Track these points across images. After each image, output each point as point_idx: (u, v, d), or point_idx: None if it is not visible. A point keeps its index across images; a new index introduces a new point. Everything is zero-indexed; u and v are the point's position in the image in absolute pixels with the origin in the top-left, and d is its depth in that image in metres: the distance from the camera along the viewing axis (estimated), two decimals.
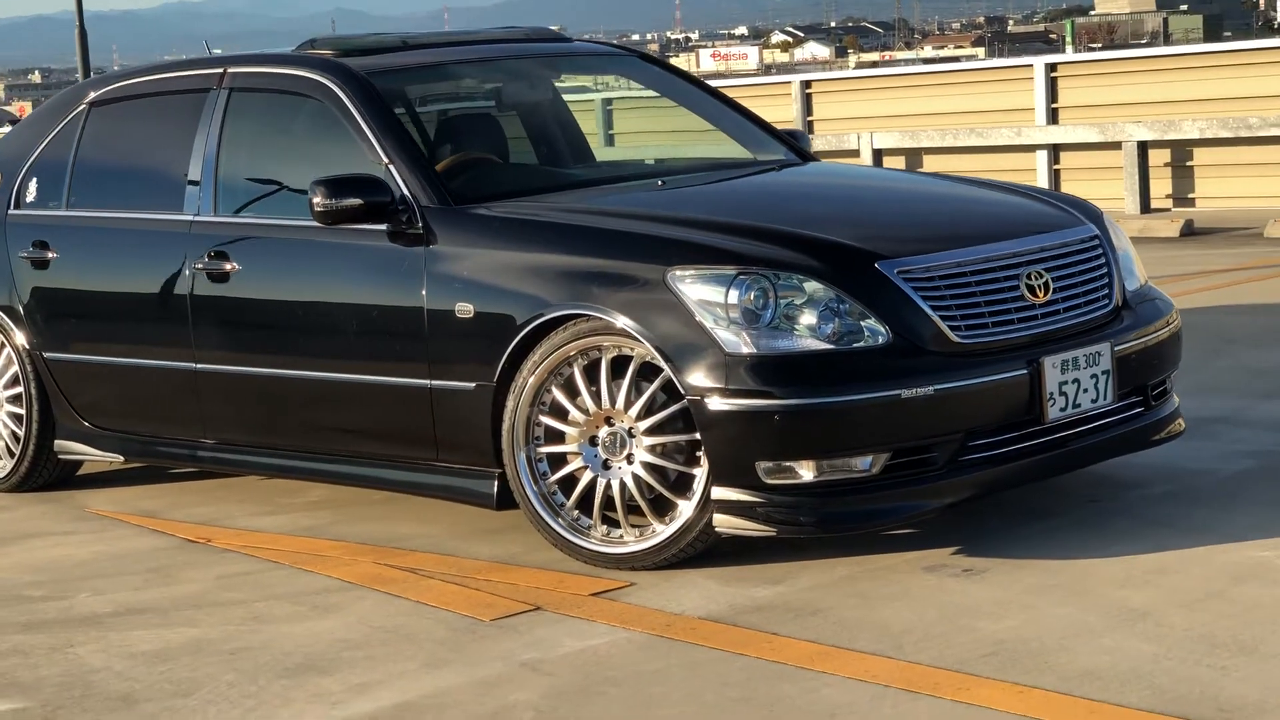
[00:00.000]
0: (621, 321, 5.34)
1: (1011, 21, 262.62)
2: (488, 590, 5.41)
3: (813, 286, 5.26)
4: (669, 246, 5.43)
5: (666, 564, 5.44)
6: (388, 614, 5.26)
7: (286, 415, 6.36)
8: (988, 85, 17.24)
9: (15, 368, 7.18)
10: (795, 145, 7.08)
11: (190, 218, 6.61)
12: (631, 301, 5.35)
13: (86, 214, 7.04)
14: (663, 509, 5.44)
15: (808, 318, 5.24)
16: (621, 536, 5.50)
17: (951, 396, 5.24)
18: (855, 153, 16.77)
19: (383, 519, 6.41)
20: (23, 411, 7.16)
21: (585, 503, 5.55)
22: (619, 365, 5.46)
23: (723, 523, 5.27)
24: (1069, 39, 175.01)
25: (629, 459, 5.44)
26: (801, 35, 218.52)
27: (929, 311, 5.30)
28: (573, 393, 5.53)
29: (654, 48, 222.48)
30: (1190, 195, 15.42)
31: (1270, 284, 10.75)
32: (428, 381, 5.86)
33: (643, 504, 5.44)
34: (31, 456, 7.17)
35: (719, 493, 5.25)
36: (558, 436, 5.59)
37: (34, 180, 7.29)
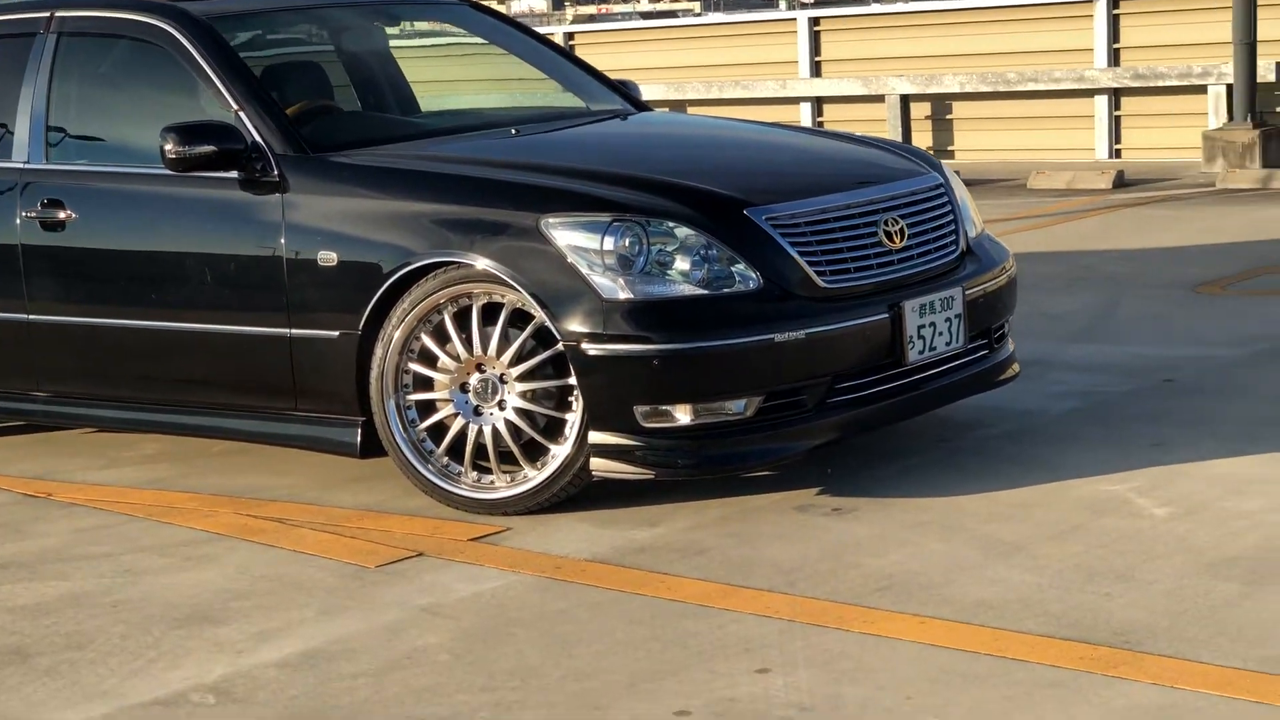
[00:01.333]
0: (494, 268, 5.37)
1: None
2: (364, 538, 5.41)
3: (684, 233, 5.36)
4: (542, 194, 5.48)
5: (540, 508, 5.50)
6: (267, 563, 5.23)
7: (132, 366, 6.24)
8: (752, 39, 17.48)
9: None
10: (629, 94, 7.17)
11: (20, 165, 6.43)
12: (504, 249, 5.38)
13: None
14: (534, 454, 5.49)
15: (680, 264, 5.34)
16: (493, 482, 5.54)
17: (820, 340, 5.39)
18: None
19: (230, 471, 6.34)
20: None
21: (456, 449, 5.58)
22: (489, 312, 5.49)
23: (600, 466, 5.34)
24: None
25: (500, 405, 5.48)
26: None
27: (796, 257, 5.44)
28: (442, 340, 5.54)
29: None
30: (950, 148, 15.89)
31: (1043, 233, 11.17)
32: (287, 330, 5.81)
33: (515, 449, 5.48)
34: None
35: (596, 437, 5.32)
36: (426, 383, 5.60)
37: None
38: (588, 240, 5.32)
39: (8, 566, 5.35)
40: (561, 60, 7.28)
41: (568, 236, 5.33)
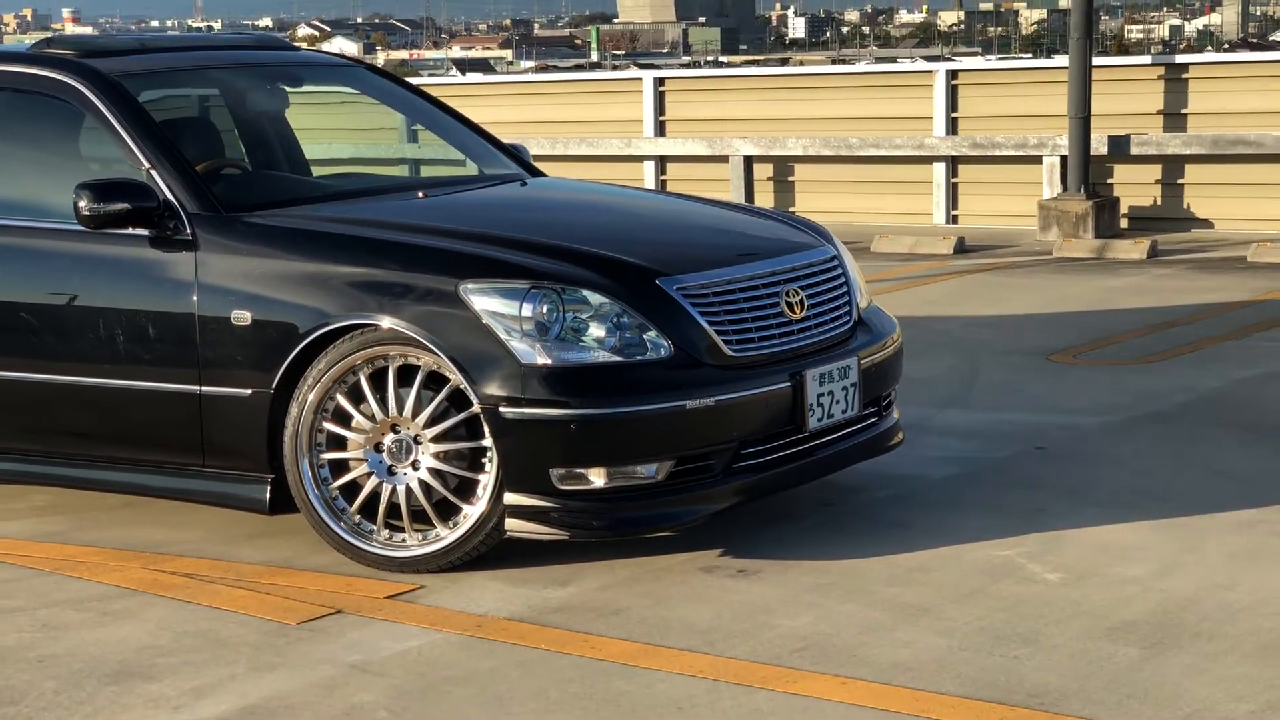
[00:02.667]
0: (412, 332, 5.51)
1: (537, 25, 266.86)
2: (279, 594, 5.50)
3: (598, 300, 5.54)
4: (461, 260, 5.63)
5: (451, 566, 5.63)
6: (186, 620, 5.29)
7: (34, 419, 6.25)
8: (597, 97, 17.75)
9: None
10: (520, 158, 7.35)
11: None
12: (422, 313, 5.52)
13: None
14: (446, 512, 5.63)
15: (595, 330, 5.52)
16: (405, 540, 5.66)
17: (728, 407, 5.60)
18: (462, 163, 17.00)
19: (128, 524, 6.37)
20: None
21: (368, 507, 5.70)
22: (404, 374, 5.62)
23: (515, 527, 5.50)
24: (594, 45, 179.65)
25: (414, 465, 5.61)
26: (329, 30, 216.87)
27: (705, 326, 5.65)
28: (357, 400, 5.66)
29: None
30: (791, 209, 16.25)
31: (892, 297, 11.50)
32: (197, 388, 5.89)
33: (428, 508, 5.61)
34: None
35: (511, 498, 5.48)
36: (340, 442, 5.71)
37: None
38: (506, 306, 5.48)
39: None
40: (455, 123, 7.43)
41: (486, 302, 5.49)
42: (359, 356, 5.62)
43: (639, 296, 5.60)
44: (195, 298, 5.86)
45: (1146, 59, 15.49)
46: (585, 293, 5.54)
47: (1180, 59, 15.02)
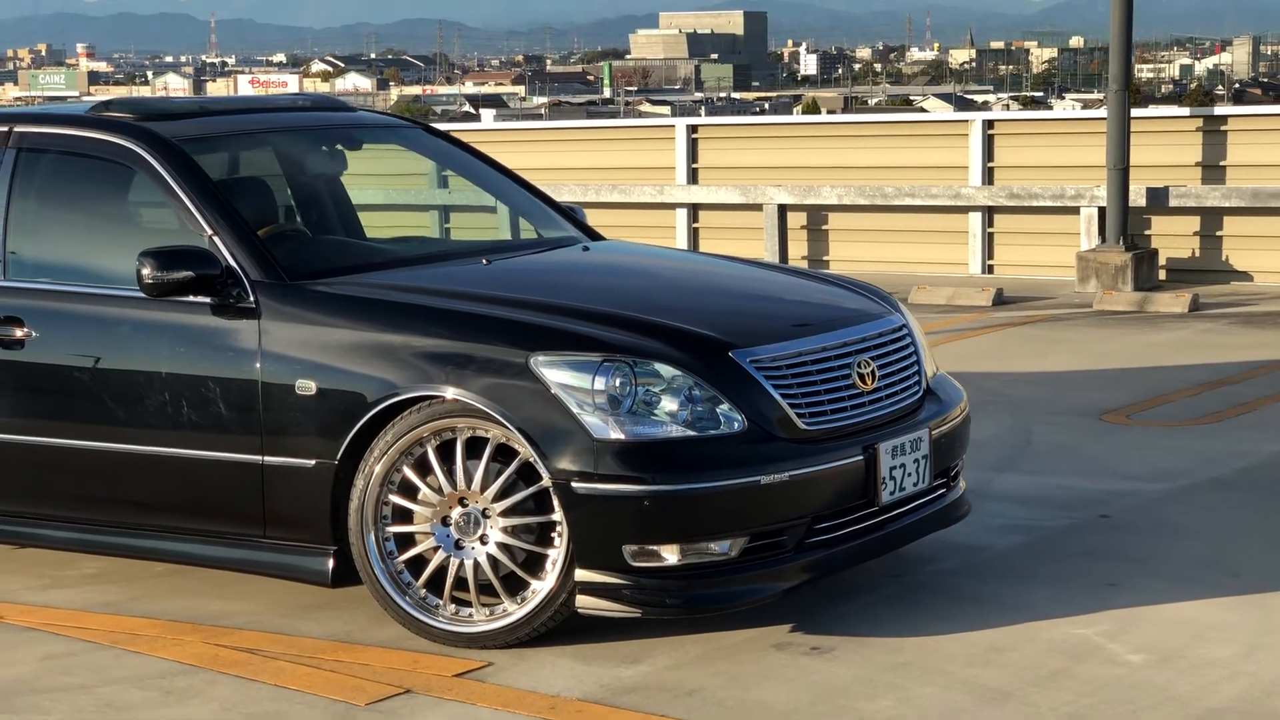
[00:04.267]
0: (482, 404, 5.43)
1: (550, 61, 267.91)
2: (344, 672, 5.40)
3: (671, 374, 5.46)
4: (532, 332, 5.54)
5: (518, 642, 5.53)
6: (252, 699, 5.20)
7: (92, 487, 6.17)
8: (630, 144, 17.68)
9: None
10: (577, 220, 7.28)
11: None
12: (492, 385, 5.44)
13: None
14: (513, 587, 5.54)
15: (667, 404, 5.44)
16: (471, 615, 5.57)
17: (802, 481, 5.51)
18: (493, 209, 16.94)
19: (181, 594, 6.28)
20: None
21: (434, 581, 5.61)
22: (472, 446, 5.54)
23: (587, 604, 5.40)
24: (607, 81, 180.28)
25: (482, 539, 5.53)
26: (342, 66, 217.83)
27: (778, 398, 5.56)
28: (424, 472, 5.58)
29: (189, 71, 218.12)
30: (825, 258, 16.18)
31: (935, 350, 11.40)
32: (260, 458, 5.81)
33: (496, 583, 5.52)
34: None
35: (583, 574, 5.38)
36: (405, 515, 5.63)
37: None
38: (578, 379, 5.40)
39: None
40: (511, 183, 7.36)
41: (557, 375, 5.41)
42: (427, 429, 5.54)
43: (712, 369, 5.52)
44: (258, 366, 5.79)
45: (1185, 110, 15.42)
46: (658, 366, 5.46)
47: (1219, 111, 14.93)
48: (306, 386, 5.71)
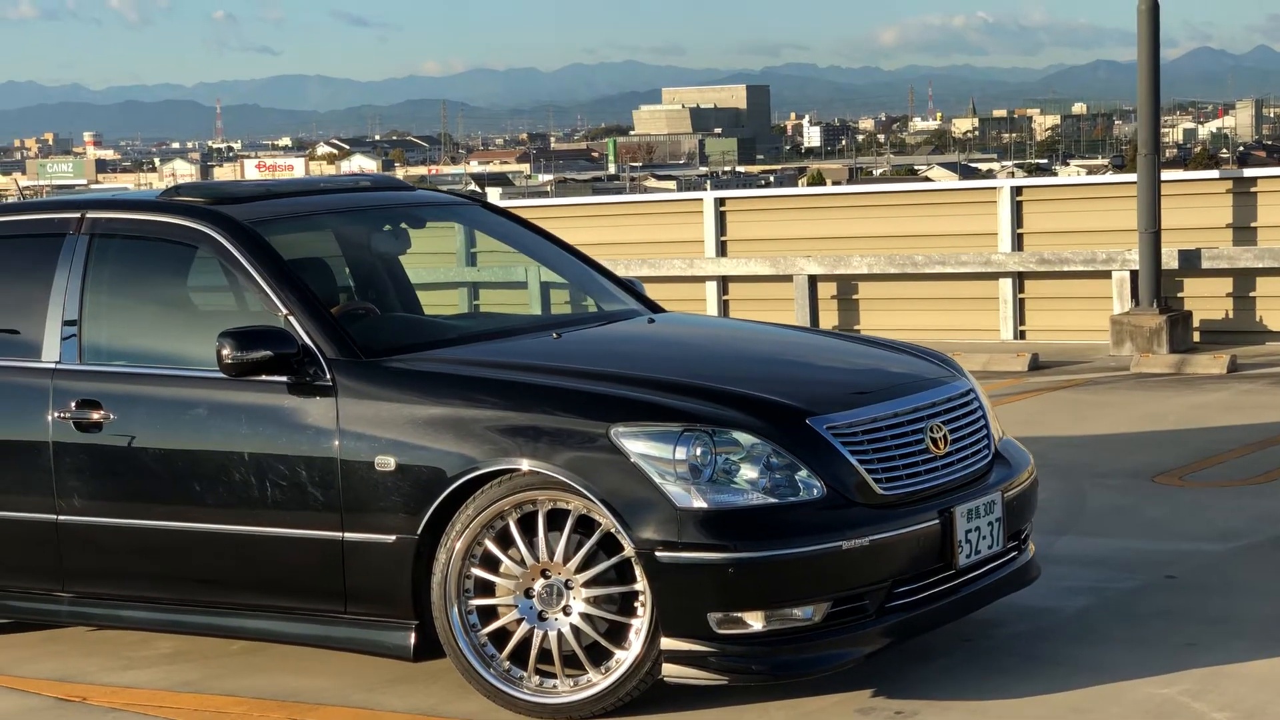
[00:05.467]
0: (563, 476, 5.49)
1: (554, 138, 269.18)
2: None
3: (750, 441, 5.52)
4: (611, 403, 5.61)
5: (604, 713, 5.57)
6: None
7: (170, 567, 6.23)
8: (659, 218, 17.82)
9: None
10: (637, 292, 7.36)
11: (50, 365, 6.44)
12: (573, 457, 5.51)
13: None
14: (597, 657, 5.58)
15: (747, 472, 5.49)
16: (556, 686, 5.61)
17: (882, 546, 5.56)
18: (524, 284, 17.04)
19: (258, 671, 6.33)
20: None
21: (517, 653, 5.65)
22: (553, 518, 5.60)
23: (673, 672, 5.44)
24: (611, 157, 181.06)
25: (565, 610, 5.57)
26: (347, 148, 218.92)
27: (855, 464, 5.62)
28: (505, 545, 5.64)
29: (195, 156, 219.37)
30: (856, 327, 16.27)
31: None
32: (340, 534, 5.87)
33: (580, 654, 5.57)
34: None
35: (668, 643, 5.43)
36: (488, 588, 5.68)
37: None
38: (658, 449, 5.46)
39: None
40: (572, 258, 7.45)
41: (638, 445, 5.47)
42: (508, 502, 5.60)
43: (789, 436, 5.58)
44: (337, 443, 5.85)
45: (1214, 173, 15.54)
46: (736, 434, 5.52)
47: (1249, 172, 15.06)
48: (385, 463, 5.78)
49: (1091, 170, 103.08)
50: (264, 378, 5.99)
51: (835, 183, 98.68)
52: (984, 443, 6.17)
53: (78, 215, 6.65)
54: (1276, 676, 5.72)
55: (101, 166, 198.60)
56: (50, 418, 6.36)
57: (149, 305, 6.59)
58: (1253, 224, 14.76)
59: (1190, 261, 14.51)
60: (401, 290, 7.30)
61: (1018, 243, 15.62)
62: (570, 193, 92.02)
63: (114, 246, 6.55)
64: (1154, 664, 5.91)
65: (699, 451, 5.46)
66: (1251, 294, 14.69)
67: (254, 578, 6.09)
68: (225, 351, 5.90)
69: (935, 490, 5.81)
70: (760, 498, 5.46)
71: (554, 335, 6.47)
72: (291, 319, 6.05)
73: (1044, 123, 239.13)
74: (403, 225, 7.17)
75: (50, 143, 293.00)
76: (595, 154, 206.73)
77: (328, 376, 5.93)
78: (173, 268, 6.55)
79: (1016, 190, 15.80)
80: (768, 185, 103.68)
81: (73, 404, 6.32)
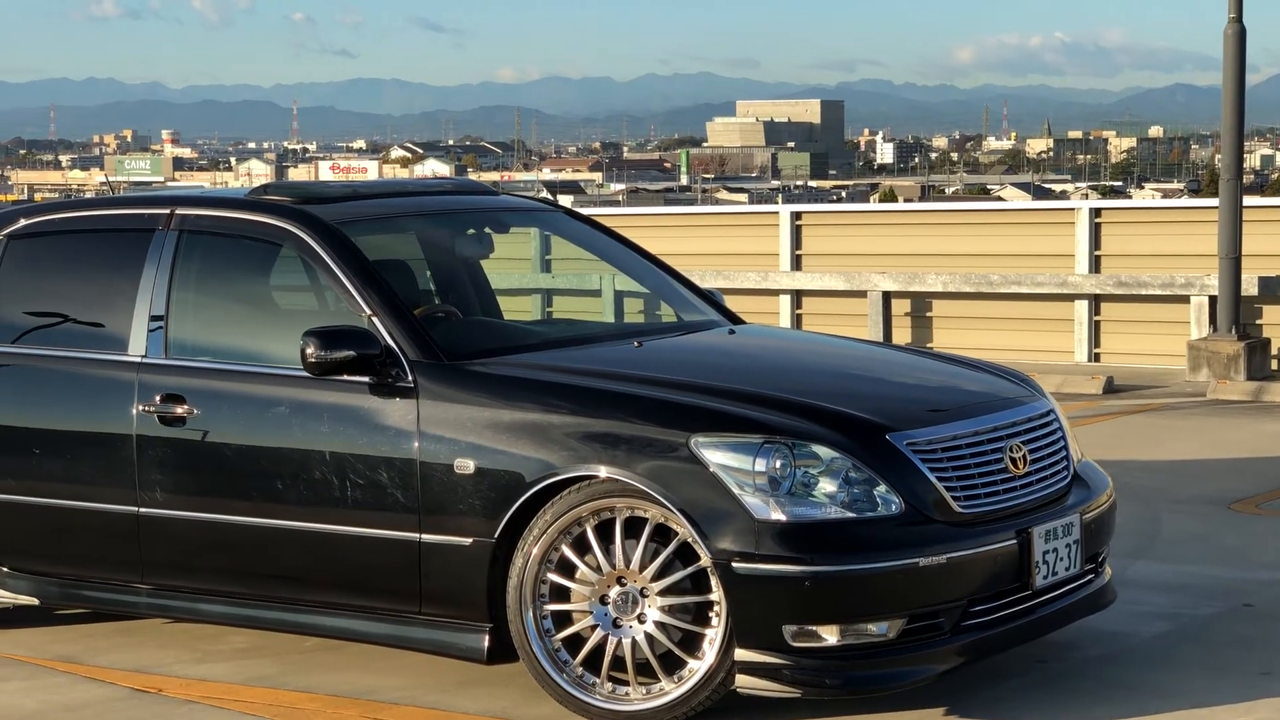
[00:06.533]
0: (642, 484, 5.50)
1: (626, 148, 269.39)
2: None
3: (829, 455, 5.51)
4: (692, 413, 5.62)
5: None
6: None
7: (248, 562, 6.27)
8: (734, 230, 17.84)
9: None
10: (716, 303, 7.36)
11: (137, 359, 6.50)
12: (652, 466, 5.52)
13: (10, 350, 6.82)
14: (671, 667, 5.58)
15: (826, 485, 5.49)
16: (628, 694, 5.62)
17: (959, 564, 5.54)
18: (597, 293, 17.08)
19: (331, 668, 6.37)
20: None
21: (590, 659, 5.66)
22: (629, 526, 5.61)
23: (746, 683, 5.44)
24: (684, 168, 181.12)
25: (640, 618, 5.58)
26: (420, 152, 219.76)
27: (934, 481, 5.60)
28: (582, 551, 5.65)
29: (271, 157, 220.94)
30: (929, 345, 16.22)
31: None
32: (417, 535, 5.89)
33: (654, 662, 5.57)
34: None
35: (742, 654, 5.43)
36: (563, 594, 5.69)
37: None
38: (738, 461, 5.46)
39: None
40: (652, 266, 7.46)
41: (718, 456, 5.47)
42: (585, 508, 5.62)
43: (869, 451, 5.57)
44: (417, 445, 5.88)
45: None
46: (816, 447, 5.52)
47: None
48: (465, 466, 5.80)
49: (1166, 194, 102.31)
50: (346, 378, 6.02)
51: (907, 200, 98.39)
52: (1063, 464, 6.14)
53: (167, 211, 6.71)
54: None
55: (178, 164, 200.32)
56: (135, 411, 6.42)
57: (234, 302, 6.64)
58: None
59: (1270, 288, 14.40)
60: (482, 294, 7.34)
61: (1095, 265, 15.54)
62: (641, 202, 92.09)
63: (201, 243, 6.61)
64: (1229, 692, 5.86)
65: (779, 464, 5.46)
66: None
67: (330, 576, 6.13)
68: (309, 350, 5.94)
69: (1013, 510, 5.79)
70: (838, 512, 5.46)
71: (635, 344, 6.49)
72: (375, 320, 6.09)
73: (1120, 145, 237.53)
74: (486, 230, 7.21)
75: (129, 140, 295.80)
76: (668, 165, 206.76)
77: (409, 378, 5.96)
78: (258, 266, 6.61)
79: (1095, 212, 15.72)
80: (839, 201, 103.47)
81: (157, 398, 6.39)
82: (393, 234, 6.94)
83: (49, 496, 6.63)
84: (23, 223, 7.08)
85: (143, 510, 6.42)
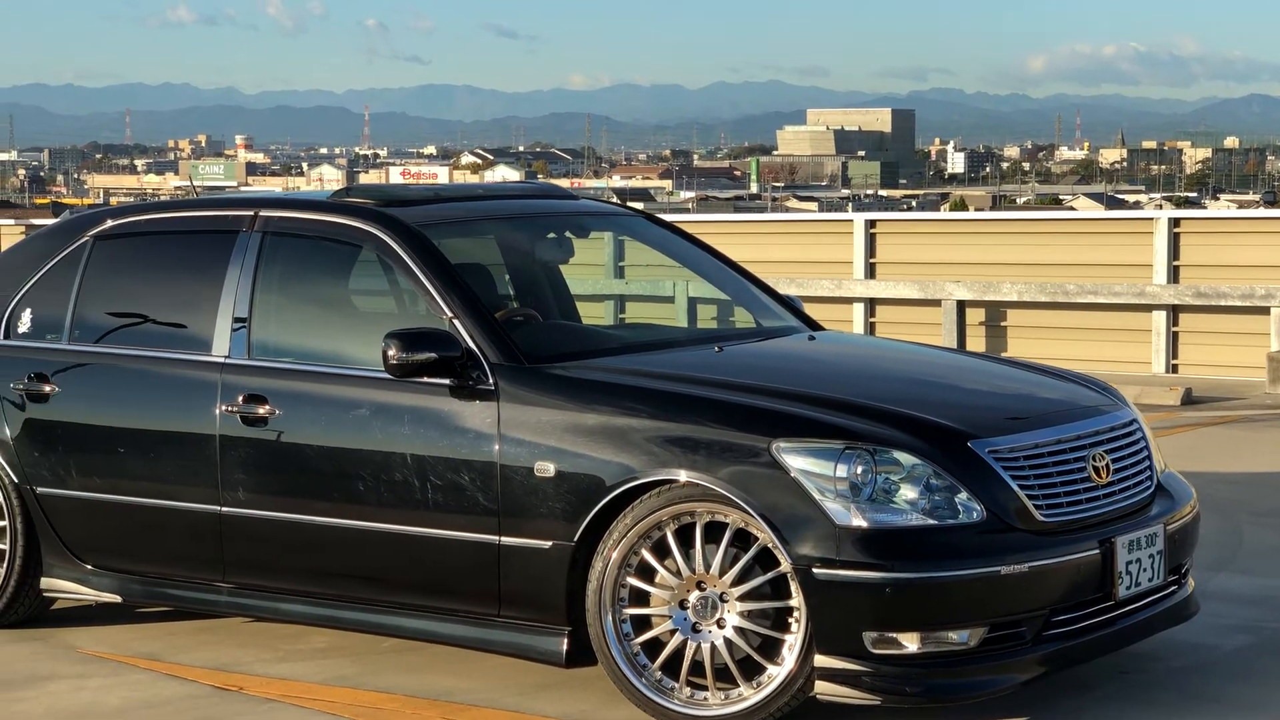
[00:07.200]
0: (722, 489, 5.50)
1: (696, 156, 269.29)
2: None
3: (910, 462, 5.50)
4: (773, 418, 5.61)
5: None
6: None
7: (329, 562, 6.31)
8: (809, 238, 17.82)
9: None
10: (794, 308, 7.36)
11: (221, 359, 6.55)
12: (734, 471, 5.51)
13: (95, 350, 6.90)
14: (749, 672, 5.57)
15: (907, 492, 5.47)
16: (707, 699, 5.61)
17: (1041, 573, 5.51)
18: (671, 299, 17.09)
19: (410, 670, 6.39)
20: (4, 546, 6.96)
21: (669, 664, 5.66)
22: (709, 531, 5.60)
23: (826, 690, 5.43)
24: (754, 176, 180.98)
25: (719, 623, 5.58)
26: (491, 158, 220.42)
27: (1016, 489, 5.57)
28: (661, 556, 5.65)
29: (342, 162, 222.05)
30: (1003, 354, 16.13)
31: None
32: (496, 538, 5.91)
33: (732, 667, 5.57)
34: (12, 593, 6.97)
35: (822, 660, 5.42)
36: (642, 598, 5.69)
37: (26, 313, 7.12)
38: (819, 466, 5.45)
39: None
40: (731, 272, 7.46)
41: (800, 462, 5.47)
42: (666, 513, 5.62)
43: (950, 459, 5.55)
44: (497, 448, 5.90)
45: None
46: (897, 454, 5.50)
47: None
48: (545, 469, 5.81)
49: (1242, 205, 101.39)
50: (426, 380, 6.05)
51: (978, 209, 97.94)
52: (1146, 474, 6.10)
53: (251, 213, 6.76)
54: None
55: (251, 169, 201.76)
56: (218, 411, 6.48)
57: (316, 304, 6.68)
58: None
59: None
60: (561, 298, 7.36)
61: (1173, 275, 15.43)
62: (711, 210, 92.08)
63: (285, 245, 6.65)
64: None
65: (860, 470, 5.45)
66: None
67: (410, 577, 6.15)
68: (391, 352, 5.97)
69: (1097, 519, 5.75)
70: (920, 519, 5.44)
71: (716, 349, 6.49)
72: (456, 322, 6.11)
73: (1194, 155, 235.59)
74: (566, 234, 7.22)
75: (203, 144, 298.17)
76: (738, 173, 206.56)
77: (490, 381, 5.98)
78: (339, 268, 6.65)
79: (1174, 222, 15.61)
80: (908, 209, 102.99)
81: (240, 398, 6.43)
82: (473, 237, 6.97)
83: (132, 495, 6.70)
84: (109, 224, 7.16)
85: (225, 509, 6.47)
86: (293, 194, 7.19)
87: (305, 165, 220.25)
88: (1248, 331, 14.97)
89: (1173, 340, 15.43)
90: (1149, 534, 5.87)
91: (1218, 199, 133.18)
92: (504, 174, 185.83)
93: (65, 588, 6.95)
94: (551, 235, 7.25)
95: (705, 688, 5.61)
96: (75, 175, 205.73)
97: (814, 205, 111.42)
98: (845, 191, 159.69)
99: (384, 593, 6.24)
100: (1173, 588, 6.14)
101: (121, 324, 6.92)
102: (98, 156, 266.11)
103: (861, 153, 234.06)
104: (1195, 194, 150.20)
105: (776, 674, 5.51)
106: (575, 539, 5.75)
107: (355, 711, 5.92)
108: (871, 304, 16.92)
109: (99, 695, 6.19)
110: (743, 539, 5.57)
